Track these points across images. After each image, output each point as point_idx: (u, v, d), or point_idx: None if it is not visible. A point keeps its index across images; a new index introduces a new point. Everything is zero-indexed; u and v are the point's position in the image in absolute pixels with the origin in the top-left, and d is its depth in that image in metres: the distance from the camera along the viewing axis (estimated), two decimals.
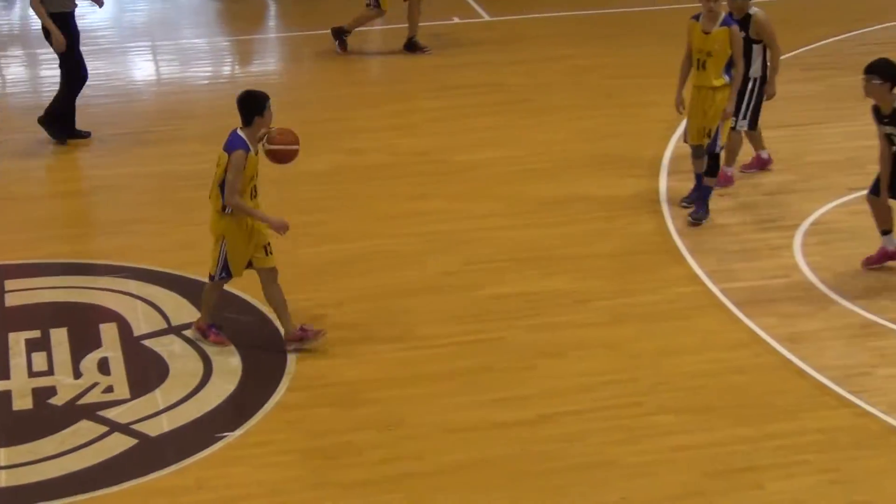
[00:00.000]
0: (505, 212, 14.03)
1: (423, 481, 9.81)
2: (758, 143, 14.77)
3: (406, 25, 18.65)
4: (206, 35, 20.29)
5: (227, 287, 11.68)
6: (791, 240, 13.35)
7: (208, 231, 11.29)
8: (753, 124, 14.43)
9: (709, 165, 13.80)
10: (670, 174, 14.80)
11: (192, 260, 12.78)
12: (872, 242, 12.85)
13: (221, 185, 10.93)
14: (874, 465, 10.06)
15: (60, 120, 15.72)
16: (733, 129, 14.11)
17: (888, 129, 12.22)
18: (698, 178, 13.93)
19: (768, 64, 14.24)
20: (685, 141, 14.03)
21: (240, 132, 10.97)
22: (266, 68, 19.43)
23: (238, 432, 10.35)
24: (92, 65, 15.91)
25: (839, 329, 11.88)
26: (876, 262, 12.72)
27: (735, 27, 13.61)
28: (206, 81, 18.49)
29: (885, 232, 12.65)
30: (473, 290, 12.53)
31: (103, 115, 16.19)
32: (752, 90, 14.21)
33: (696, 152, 13.87)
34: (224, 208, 10.96)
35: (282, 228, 11.09)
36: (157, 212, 14.34)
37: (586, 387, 11.02)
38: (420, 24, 18.81)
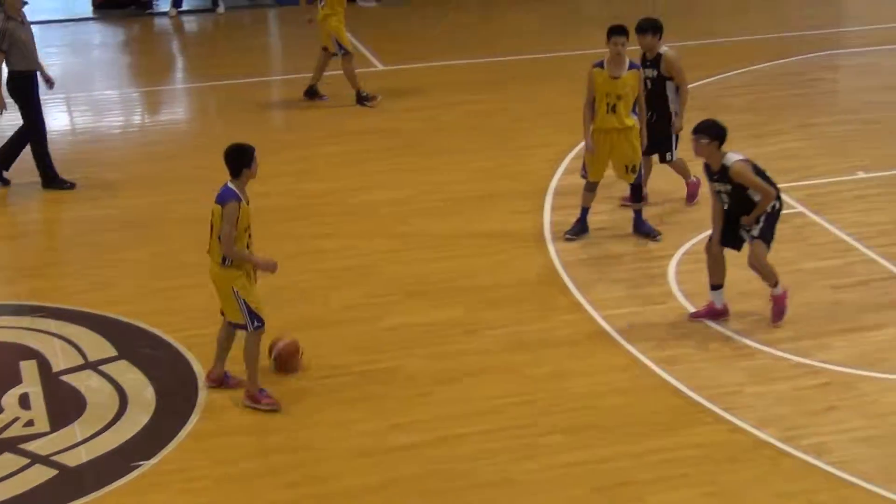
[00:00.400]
0: (401, 248, 14.06)
1: (334, 502, 9.81)
2: (686, 172, 14.84)
3: (309, 75, 18.60)
4: (117, 87, 20.16)
5: (141, 323, 11.63)
6: (666, 269, 13.49)
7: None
8: (673, 155, 14.62)
9: (634, 194, 14.10)
10: (554, 209, 14.89)
11: (108, 299, 12.77)
12: (739, 270, 12.99)
13: (220, 238, 10.78)
14: (747, 476, 10.19)
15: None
16: (670, 161, 14.39)
17: (718, 186, 12.09)
18: (585, 211, 14.09)
19: (679, 99, 14.41)
20: (583, 177, 14.09)
21: (231, 185, 10.78)
22: (175, 117, 19.35)
23: (153, 461, 10.28)
24: (12, 115, 15.76)
25: (711, 351, 12.00)
26: (703, 317, 12.56)
27: (640, 70, 13.75)
28: (118, 131, 18.37)
29: (715, 287, 12.50)
30: (373, 322, 12.54)
31: (21, 163, 16.01)
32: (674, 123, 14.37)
33: (592, 188, 14.00)
34: (224, 260, 10.80)
35: (271, 268, 11.01)
36: (73, 254, 14.24)
37: (481, 410, 11.06)
38: (311, 74, 18.87)
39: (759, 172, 11.93)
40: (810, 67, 19.72)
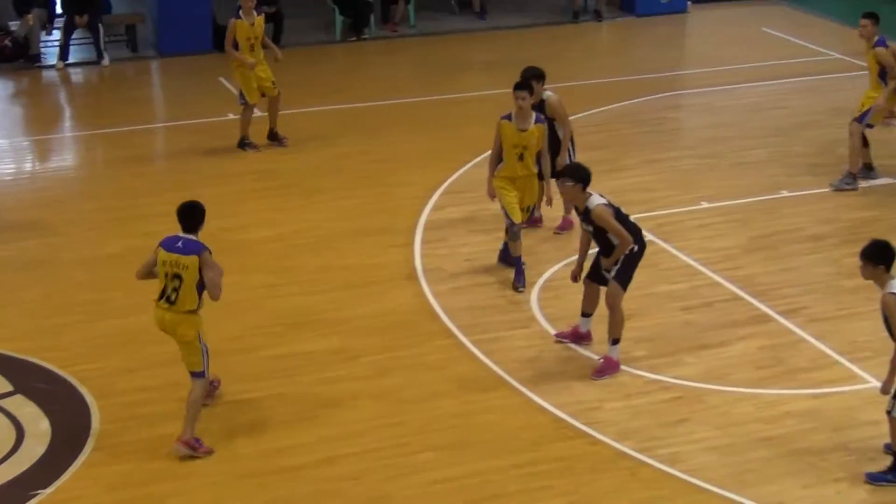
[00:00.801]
0: (280, 283, 14.00)
1: None
2: (568, 207, 14.92)
3: (189, 122, 18.41)
4: (7, 136, 19.85)
5: (35, 360, 11.49)
6: (529, 296, 13.59)
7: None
8: None
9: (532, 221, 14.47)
10: (424, 243, 14.94)
11: (3, 336, 12.60)
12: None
13: (199, 287, 10.63)
14: (607, 485, 10.31)
15: None
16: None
17: (584, 226, 12.08)
18: (518, 259, 13.98)
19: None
20: (512, 221, 13.81)
21: (191, 236, 10.75)
22: (64, 164, 19.07)
23: (49, 490, 10.15)
24: None
25: (573, 371, 12.09)
26: (567, 338, 12.63)
27: (545, 124, 13.84)
28: (10, 178, 18.09)
29: (585, 314, 12.52)
30: (256, 353, 12.49)
31: None
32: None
33: (517, 234, 13.84)
34: (198, 308, 10.70)
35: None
36: None
37: (361, 431, 11.07)
38: (198, 120, 18.77)
39: (621, 218, 11.86)
40: (656, 107, 20.02)
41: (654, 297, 13.52)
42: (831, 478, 10.42)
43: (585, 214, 11.88)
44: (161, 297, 10.67)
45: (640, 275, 13.68)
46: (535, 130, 13.63)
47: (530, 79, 14.04)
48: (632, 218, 12.14)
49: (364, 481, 10.43)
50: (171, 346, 11.06)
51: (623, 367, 12.06)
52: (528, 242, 14.79)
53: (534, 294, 13.60)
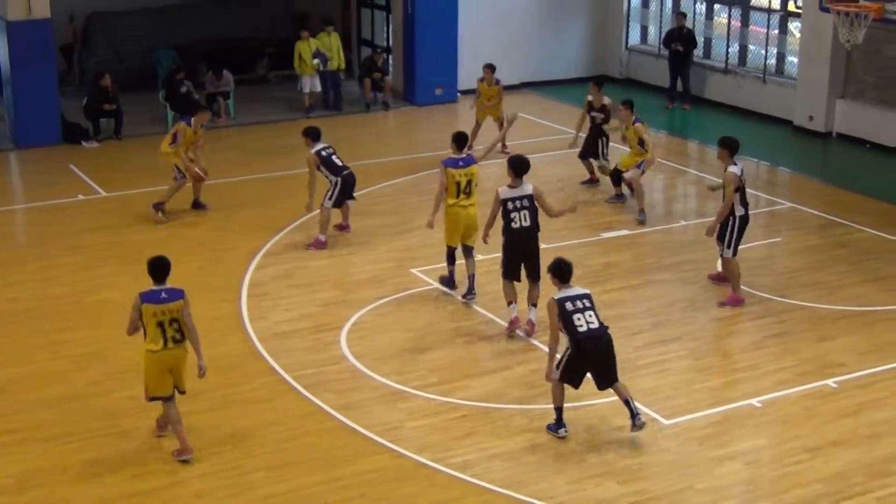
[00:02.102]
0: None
1: None
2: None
3: (41, 203, 17.91)
4: None
5: None
6: (338, 337, 13.55)
7: None
8: None
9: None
10: (249, 297, 14.79)
11: None
12: (396, 335, 13.18)
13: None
14: (410, 491, 10.38)
15: None
16: None
17: None
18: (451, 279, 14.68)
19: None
20: (450, 245, 14.42)
21: (166, 285, 10.76)
22: None
23: None
24: None
25: (377, 397, 12.12)
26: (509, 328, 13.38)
27: (477, 164, 14.53)
28: None
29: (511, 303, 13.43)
30: (112, 394, 12.21)
31: None
32: None
33: (466, 251, 14.47)
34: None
35: None
36: None
37: (203, 457, 10.94)
38: (49, 201, 18.39)
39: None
40: (436, 179, 20.00)
41: (442, 333, 13.63)
42: (590, 473, 10.64)
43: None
44: (165, 344, 10.58)
45: (428, 316, 13.87)
46: (474, 168, 14.41)
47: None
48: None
49: (207, 499, 10.27)
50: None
51: (419, 392, 12.13)
52: (331, 294, 14.80)
53: (342, 336, 13.57)
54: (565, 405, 11.32)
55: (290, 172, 19.32)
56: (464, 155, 14.56)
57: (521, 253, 13.35)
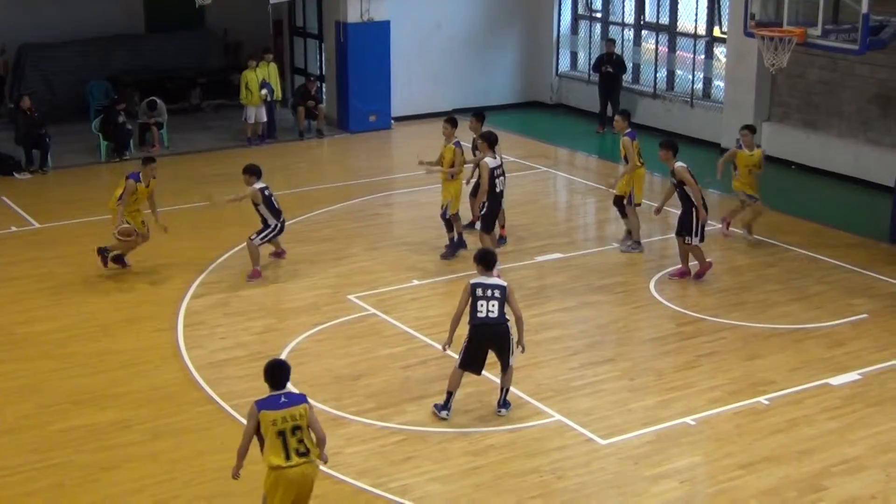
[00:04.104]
0: (64, 367, 13.49)
1: None
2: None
3: None
4: None
5: None
6: None
7: None
8: None
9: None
10: (185, 326, 14.64)
11: None
12: (333, 361, 13.10)
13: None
14: None
15: None
16: None
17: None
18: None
19: None
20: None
21: (285, 390, 9.23)
22: None
23: None
24: None
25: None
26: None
27: None
28: None
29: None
30: (46, 427, 12.00)
31: None
32: None
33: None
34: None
35: None
36: None
37: (139, 489, 10.78)
38: None
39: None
40: (372, 205, 20.16)
41: (379, 359, 13.58)
42: (529, 495, 10.63)
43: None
44: (287, 457, 8.99)
45: (365, 341, 13.82)
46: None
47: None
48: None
49: None
50: None
51: (357, 418, 12.06)
52: (268, 322, 14.70)
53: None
54: (509, 426, 11.31)
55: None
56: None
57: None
